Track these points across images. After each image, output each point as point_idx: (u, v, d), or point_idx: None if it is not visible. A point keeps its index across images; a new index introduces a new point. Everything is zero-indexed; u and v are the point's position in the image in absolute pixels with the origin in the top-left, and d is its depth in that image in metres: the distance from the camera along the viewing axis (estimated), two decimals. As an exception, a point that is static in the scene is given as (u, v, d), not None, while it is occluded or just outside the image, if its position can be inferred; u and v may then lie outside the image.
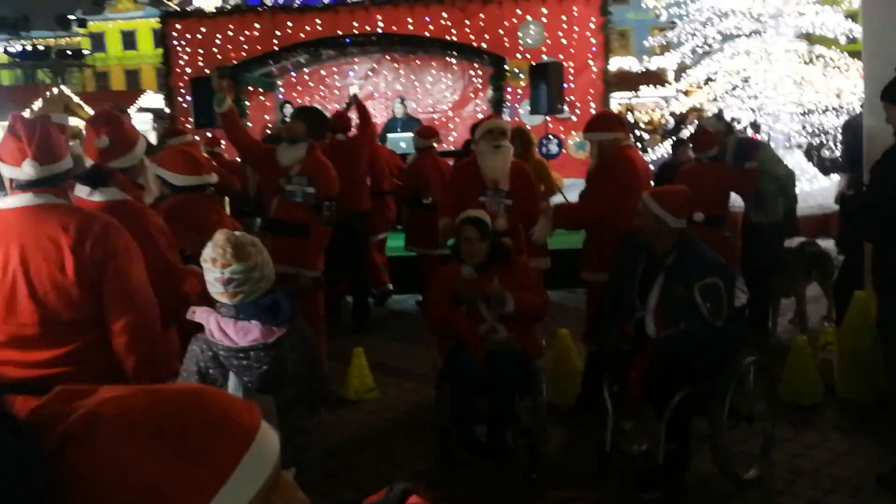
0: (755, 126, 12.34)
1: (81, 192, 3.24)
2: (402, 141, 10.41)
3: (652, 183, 5.88)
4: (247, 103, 12.14)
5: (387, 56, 13.48)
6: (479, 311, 4.41)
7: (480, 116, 12.05)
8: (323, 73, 13.77)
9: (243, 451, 0.89)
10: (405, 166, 8.48)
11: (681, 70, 15.97)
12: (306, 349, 2.95)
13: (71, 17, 51.23)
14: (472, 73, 13.41)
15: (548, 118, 11.03)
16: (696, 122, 8.81)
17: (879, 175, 4.21)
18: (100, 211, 2.96)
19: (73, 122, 24.01)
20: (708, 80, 13.14)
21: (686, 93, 14.82)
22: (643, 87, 17.68)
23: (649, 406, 4.07)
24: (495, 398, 4.29)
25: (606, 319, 4.55)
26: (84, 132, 10.75)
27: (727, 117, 10.29)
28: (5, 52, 48.59)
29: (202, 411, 0.91)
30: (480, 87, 13.22)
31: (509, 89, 11.80)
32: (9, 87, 39.45)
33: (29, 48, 48.17)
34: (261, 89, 13.19)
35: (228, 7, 13.93)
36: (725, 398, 4.04)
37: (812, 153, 14.08)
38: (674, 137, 11.90)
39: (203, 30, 12.59)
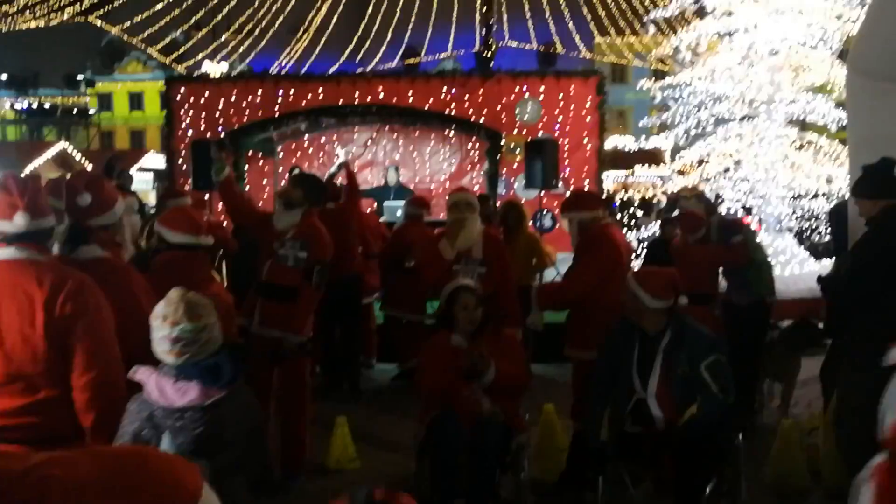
0: (746, 209, 12.48)
1: (62, 249, 3.31)
2: (398, 209, 10.50)
3: (639, 261, 5.94)
4: (246, 167, 12.30)
5: (386, 126, 13.72)
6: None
7: (476, 188, 12.20)
8: (322, 140, 13.98)
9: None
10: (388, 234, 8.58)
11: (675, 151, 16.23)
12: (248, 415, 2.89)
13: (79, 76, 52.09)
14: (469, 146, 13.62)
15: (542, 193, 11.16)
16: (679, 204, 8.88)
17: (853, 261, 4.31)
18: (77, 269, 3.01)
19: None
20: (701, 162, 13.33)
21: (681, 173, 15.01)
22: (638, 166, 17.97)
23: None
24: (477, 471, 4.24)
25: (596, 402, 4.48)
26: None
27: (713, 197, 10.41)
28: (12, 108, 49.22)
29: (148, 472, 0.92)
30: (477, 160, 13.42)
31: (505, 163, 11.98)
32: (13, 142, 39.86)
33: (35, 105, 48.84)
34: (260, 154, 13.36)
35: (235, 73, 14.22)
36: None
37: (803, 237, 14.20)
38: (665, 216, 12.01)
39: (207, 94, 12.82)
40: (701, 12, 13.77)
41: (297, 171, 11.59)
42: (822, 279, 4.83)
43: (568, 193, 6.12)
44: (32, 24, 31.07)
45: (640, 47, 29.62)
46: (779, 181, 12.42)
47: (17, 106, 49.11)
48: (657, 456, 4.19)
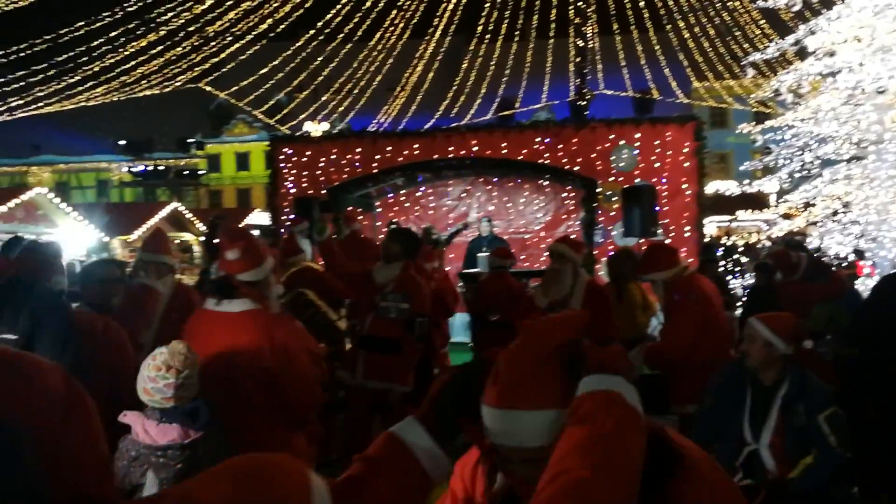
0: (859, 253, 11.95)
1: (209, 303, 3.50)
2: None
3: (739, 309, 5.75)
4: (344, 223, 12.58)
5: (480, 178, 13.84)
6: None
7: (573, 237, 12.11)
8: (418, 194, 14.21)
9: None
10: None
11: (781, 194, 15.74)
12: (221, 454, 3.05)
13: (190, 140, 54.80)
14: (563, 195, 13.58)
15: (641, 240, 10.98)
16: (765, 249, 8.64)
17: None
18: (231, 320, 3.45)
19: (186, 236, 25.34)
20: (807, 205, 12.88)
21: (786, 217, 14.55)
22: (740, 211, 17.50)
23: None
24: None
25: (699, 434, 4.34)
26: (194, 247, 11.32)
27: (822, 242, 10.01)
28: (129, 171, 52.13)
29: (272, 476, 1.07)
30: (573, 208, 13.34)
31: (603, 211, 11.88)
32: (129, 203, 42.14)
33: (150, 168, 51.58)
34: (359, 209, 13.67)
35: (335, 132, 14.65)
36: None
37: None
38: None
39: (308, 153, 13.25)
40: (802, 53, 13.45)
41: (394, 225, 11.85)
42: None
43: (643, 255, 5.96)
44: (148, 92, 32.97)
45: (740, 90, 29.04)
46: (892, 223, 11.87)
47: (134, 169, 51.98)
48: None
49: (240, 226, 25.06)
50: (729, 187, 26.73)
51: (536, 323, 1.76)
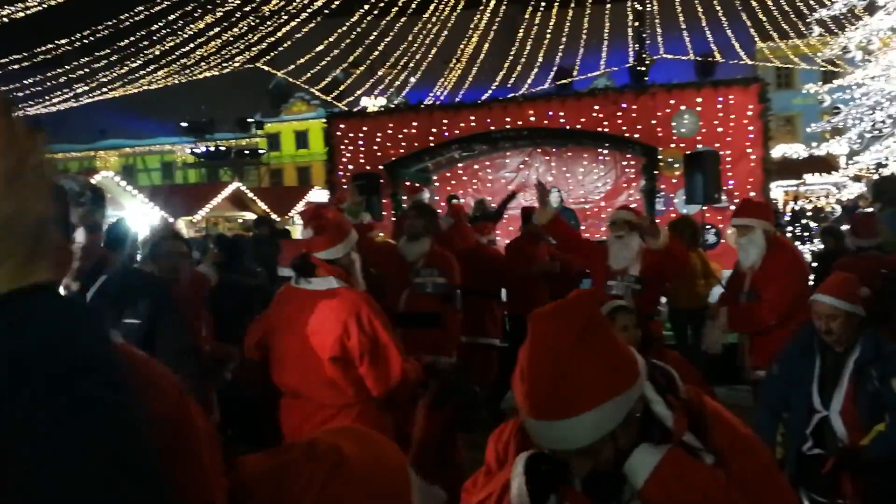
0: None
1: (296, 281, 3.58)
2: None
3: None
4: (403, 197, 12.60)
5: (538, 149, 13.68)
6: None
7: (634, 206, 11.91)
8: (476, 166, 14.12)
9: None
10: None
11: (850, 156, 15.23)
12: None
13: (250, 119, 55.50)
14: (624, 163, 13.35)
15: (704, 207, 10.74)
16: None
17: None
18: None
19: (248, 215, 25.73)
20: (879, 166, 12.41)
21: (857, 178, 14.07)
22: (808, 175, 16.99)
23: None
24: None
25: (766, 421, 4.20)
26: (253, 226, 11.51)
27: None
28: (192, 152, 53.13)
29: (384, 447, 1.18)
30: (633, 176, 13.11)
31: (664, 179, 11.64)
32: (193, 184, 42.97)
33: (212, 149, 52.47)
34: (416, 184, 13.67)
35: (392, 106, 14.65)
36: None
37: None
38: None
39: (365, 128, 13.27)
40: (871, 7, 12.90)
41: (454, 199, 11.78)
42: None
43: (741, 201, 5.69)
44: (207, 74, 33.46)
45: (807, 49, 28.06)
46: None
47: (196, 150, 52.95)
48: (838, 480, 3.86)
49: (302, 203, 25.30)
50: (796, 150, 25.94)
51: (545, 316, 1.66)
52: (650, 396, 1.72)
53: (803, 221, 15.88)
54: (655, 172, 11.31)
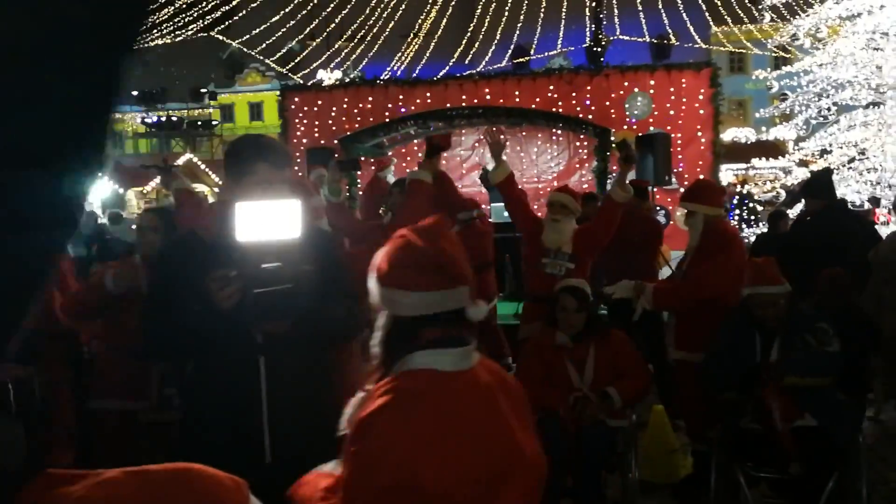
0: (875, 200, 11.82)
1: None
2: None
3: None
4: (358, 173, 12.56)
5: (493, 127, 13.72)
6: (570, 378, 4.37)
7: (585, 187, 12.07)
8: (431, 143, 14.12)
9: None
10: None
11: (798, 141, 15.56)
12: None
13: (203, 90, 54.51)
14: (577, 144, 13.48)
15: (654, 189, 10.92)
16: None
17: None
18: None
19: (200, 188, 25.42)
20: (823, 152, 12.73)
21: (803, 164, 14.40)
22: (756, 159, 17.31)
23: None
24: (582, 473, 4.19)
25: (717, 381, 4.39)
26: (209, 198, 11.36)
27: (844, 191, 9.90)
28: (143, 122, 52.04)
29: (192, 492, 0.93)
30: (586, 157, 13.25)
31: (615, 160, 11.79)
32: (143, 155, 42.14)
33: (164, 119, 51.45)
34: (371, 159, 13.63)
35: (347, 80, 14.54)
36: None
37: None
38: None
39: (319, 102, 13.18)
40: (821, -5, 13.17)
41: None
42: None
43: (691, 183, 5.76)
44: (159, 41, 32.76)
45: (759, 35, 28.47)
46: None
47: (147, 120, 51.88)
48: (775, 453, 4.03)
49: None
50: (746, 135, 26.38)
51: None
52: None
53: (750, 205, 16.24)
54: (608, 154, 11.45)
